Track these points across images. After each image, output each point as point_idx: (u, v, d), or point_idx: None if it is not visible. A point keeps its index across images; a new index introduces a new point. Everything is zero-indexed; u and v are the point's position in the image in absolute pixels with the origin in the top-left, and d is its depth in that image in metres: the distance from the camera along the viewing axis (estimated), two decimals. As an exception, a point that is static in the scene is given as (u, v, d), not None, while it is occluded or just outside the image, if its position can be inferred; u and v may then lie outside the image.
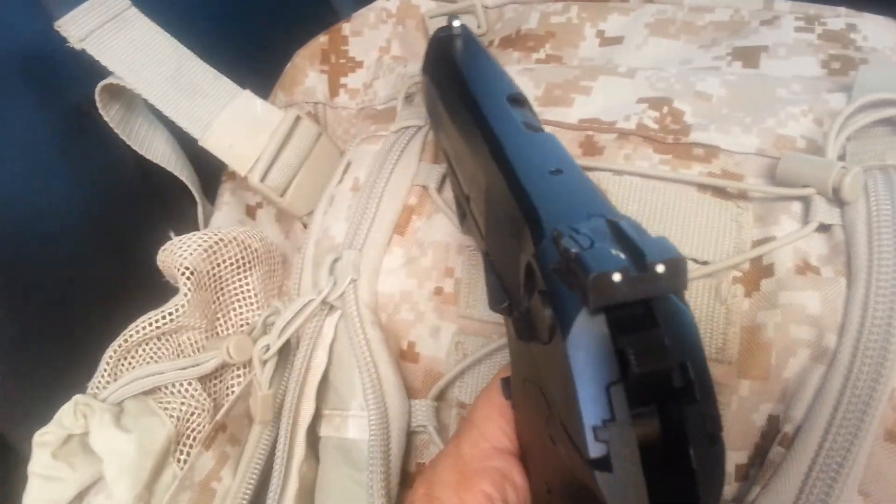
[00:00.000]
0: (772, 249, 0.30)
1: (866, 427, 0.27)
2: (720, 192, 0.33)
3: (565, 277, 0.20)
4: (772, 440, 0.28)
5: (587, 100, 0.38)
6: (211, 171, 0.50)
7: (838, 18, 0.40)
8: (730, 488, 0.29)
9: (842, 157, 0.33)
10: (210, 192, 0.51)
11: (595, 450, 0.19)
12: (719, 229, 0.32)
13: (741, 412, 0.29)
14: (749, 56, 0.40)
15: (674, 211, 0.32)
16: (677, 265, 0.19)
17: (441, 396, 0.36)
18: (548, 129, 0.37)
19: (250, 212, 0.51)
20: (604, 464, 0.19)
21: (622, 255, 0.19)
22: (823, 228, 0.31)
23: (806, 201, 0.32)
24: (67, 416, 0.37)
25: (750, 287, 0.30)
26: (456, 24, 0.36)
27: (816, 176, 0.31)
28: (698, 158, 0.34)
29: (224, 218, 0.49)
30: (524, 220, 0.24)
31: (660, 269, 0.19)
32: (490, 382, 0.28)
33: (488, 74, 0.34)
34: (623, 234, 0.20)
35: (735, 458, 0.29)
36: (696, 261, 0.31)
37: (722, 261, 0.31)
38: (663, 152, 0.34)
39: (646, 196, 0.33)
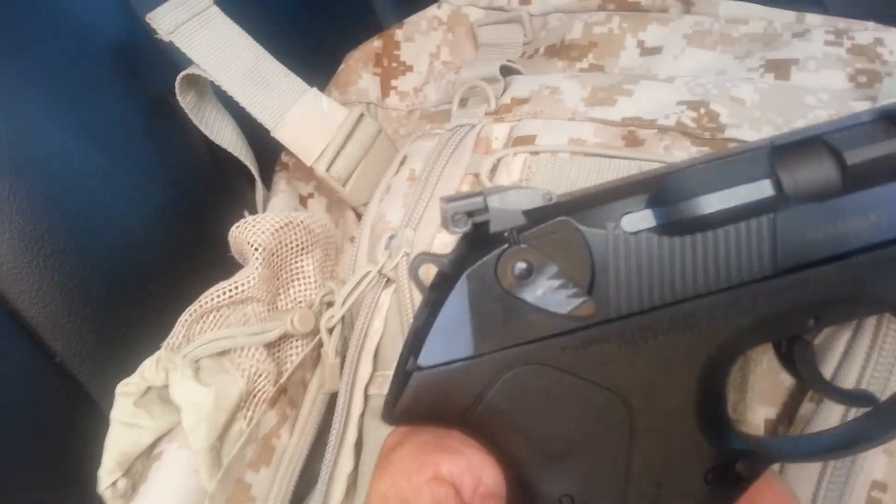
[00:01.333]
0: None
1: (892, 385, 0.29)
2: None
3: None
4: (800, 401, 0.31)
5: (629, 101, 0.41)
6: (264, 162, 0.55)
7: (866, 32, 0.43)
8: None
9: None
10: (264, 180, 0.55)
11: None
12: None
13: (771, 371, 0.32)
14: (780, 68, 0.44)
15: None
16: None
17: None
18: (593, 125, 0.41)
19: (303, 201, 0.55)
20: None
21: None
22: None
23: None
24: (150, 370, 0.40)
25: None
26: None
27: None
28: (731, 151, 0.37)
29: (281, 203, 0.53)
30: None
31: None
32: None
33: None
34: None
35: (764, 412, 0.32)
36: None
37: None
38: (700, 145, 0.38)
39: None
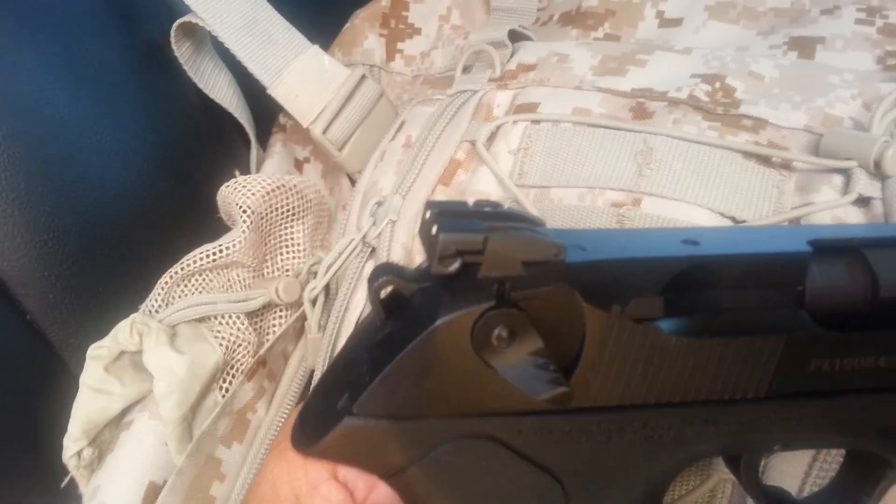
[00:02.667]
0: (809, 213, 0.31)
1: None
2: (764, 160, 0.34)
3: None
4: None
5: (641, 71, 0.39)
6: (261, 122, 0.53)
7: (901, 11, 0.40)
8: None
9: None
10: (261, 141, 0.53)
11: None
12: (760, 193, 0.33)
13: None
14: (805, 46, 0.41)
15: (717, 172, 0.33)
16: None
17: None
18: (599, 95, 0.38)
19: (298, 165, 0.53)
20: None
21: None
22: (863, 202, 0.32)
23: (847, 174, 0.32)
24: (123, 333, 0.38)
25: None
26: None
27: (859, 149, 0.32)
28: (746, 128, 0.35)
29: (275, 165, 0.51)
30: None
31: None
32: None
33: None
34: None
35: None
36: (734, 219, 0.32)
37: (759, 220, 0.31)
38: (712, 120, 0.35)
39: (691, 156, 0.34)
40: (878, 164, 0.31)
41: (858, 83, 0.36)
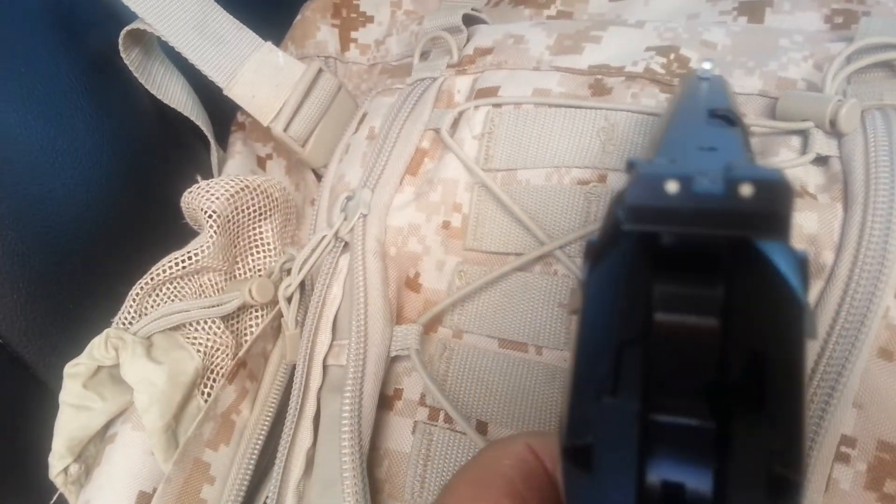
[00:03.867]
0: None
1: (863, 339, 0.28)
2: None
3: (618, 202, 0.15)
4: None
5: (597, 48, 0.39)
6: (218, 122, 0.52)
7: (844, -29, 0.41)
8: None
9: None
10: (220, 141, 0.53)
11: (573, 435, 0.14)
12: (722, 159, 0.33)
13: None
14: (754, 11, 0.41)
15: None
16: (777, 191, 0.13)
17: (440, 323, 0.37)
18: (558, 75, 0.39)
19: (261, 163, 0.52)
20: (581, 458, 0.14)
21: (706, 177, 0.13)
22: (821, 161, 0.33)
23: (804, 135, 0.33)
24: (98, 348, 0.38)
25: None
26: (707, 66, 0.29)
27: (814, 110, 0.32)
28: (703, 97, 0.35)
29: (237, 166, 0.51)
30: None
31: (745, 190, 0.13)
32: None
33: None
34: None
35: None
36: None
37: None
38: (669, 92, 0.36)
39: (651, 128, 0.34)
40: (833, 123, 0.32)
41: (808, 45, 0.37)
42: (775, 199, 0.13)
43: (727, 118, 0.23)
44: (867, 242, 0.29)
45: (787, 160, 0.32)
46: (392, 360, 0.36)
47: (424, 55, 0.45)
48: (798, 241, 0.30)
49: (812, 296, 0.29)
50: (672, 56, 0.37)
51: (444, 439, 0.34)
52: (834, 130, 0.32)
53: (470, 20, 0.45)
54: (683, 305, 0.13)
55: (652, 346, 0.13)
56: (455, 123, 0.39)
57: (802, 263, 0.13)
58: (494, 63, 0.41)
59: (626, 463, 0.13)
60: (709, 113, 0.24)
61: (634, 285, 0.14)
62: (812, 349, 0.28)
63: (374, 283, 0.36)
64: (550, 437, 0.21)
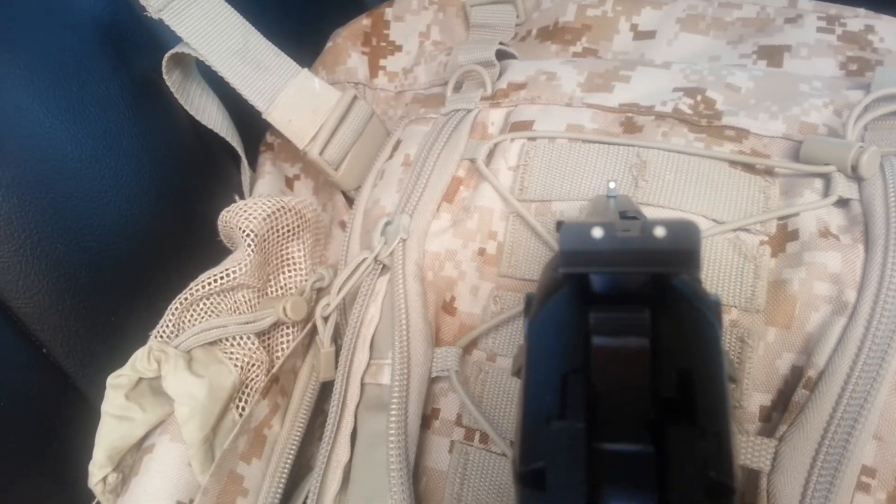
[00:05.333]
0: (795, 212, 0.33)
1: (884, 374, 0.30)
2: (749, 168, 0.36)
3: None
4: (794, 387, 0.32)
5: (627, 87, 0.41)
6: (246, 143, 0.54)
7: (857, 19, 0.43)
8: (752, 426, 0.32)
9: None
10: (249, 162, 0.54)
11: (526, 461, 0.15)
12: (748, 198, 0.35)
13: (767, 357, 0.32)
14: (773, 55, 0.44)
15: (707, 180, 0.36)
16: (686, 231, 0.14)
17: (475, 346, 0.38)
18: (590, 111, 0.41)
19: (289, 183, 0.54)
20: (534, 481, 0.14)
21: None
22: (842, 203, 0.35)
23: (827, 178, 0.35)
24: (141, 361, 0.39)
25: (777, 249, 0.34)
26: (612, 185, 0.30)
27: (837, 154, 0.34)
28: (730, 138, 0.37)
29: (267, 186, 0.52)
30: None
31: (658, 231, 0.15)
32: None
33: None
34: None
35: (759, 399, 0.32)
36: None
37: (748, 217, 0.34)
38: (697, 132, 0.38)
39: (682, 166, 0.36)
40: (854, 168, 0.34)
41: (828, 91, 0.39)
42: (684, 238, 0.14)
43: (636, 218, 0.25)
44: (888, 282, 0.31)
45: (811, 202, 0.34)
46: (430, 381, 0.38)
47: (457, 86, 0.47)
48: (822, 280, 0.32)
49: (835, 332, 0.31)
50: (699, 97, 0.39)
51: (479, 459, 0.36)
52: (855, 175, 0.34)
53: (500, 55, 0.47)
54: (617, 329, 0.15)
55: (592, 371, 0.15)
56: (491, 154, 0.41)
57: (715, 306, 0.16)
58: (528, 98, 0.43)
59: (576, 483, 0.14)
60: (620, 214, 0.26)
61: (573, 321, 0.15)
62: (835, 384, 0.30)
63: (415, 306, 0.38)
64: None
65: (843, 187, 0.34)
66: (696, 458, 0.14)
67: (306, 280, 0.47)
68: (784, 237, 0.34)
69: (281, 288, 0.47)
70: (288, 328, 0.46)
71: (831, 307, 0.32)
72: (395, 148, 0.46)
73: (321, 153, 0.47)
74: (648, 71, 0.42)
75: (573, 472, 0.14)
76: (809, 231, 0.33)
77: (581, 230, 0.15)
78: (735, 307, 0.33)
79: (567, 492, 0.14)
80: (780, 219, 0.34)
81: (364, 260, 0.40)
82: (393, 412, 0.36)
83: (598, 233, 0.15)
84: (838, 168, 0.35)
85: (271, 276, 0.47)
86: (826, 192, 0.35)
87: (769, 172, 0.36)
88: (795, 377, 0.32)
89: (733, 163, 0.37)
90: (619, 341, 0.15)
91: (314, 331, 0.44)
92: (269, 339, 0.45)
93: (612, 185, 0.30)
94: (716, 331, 0.15)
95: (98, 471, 0.39)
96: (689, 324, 0.15)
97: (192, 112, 0.50)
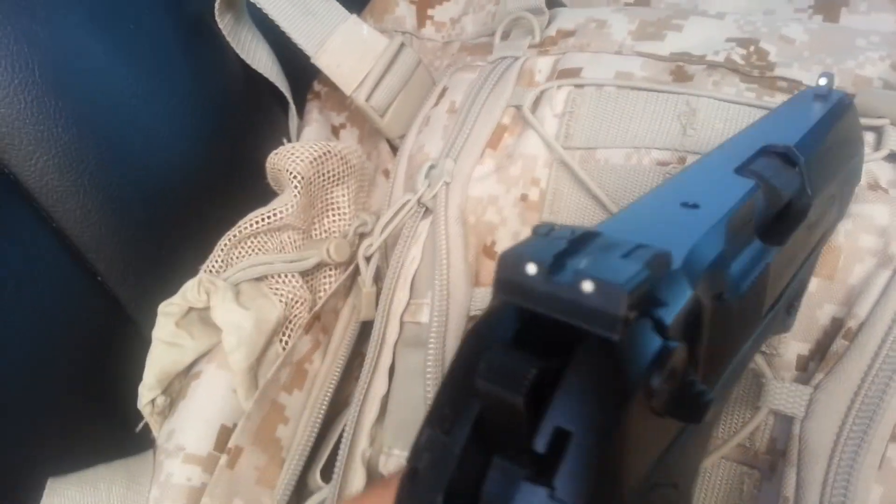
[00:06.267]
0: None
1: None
2: (800, 119, 0.36)
3: None
4: (833, 337, 0.32)
5: (679, 36, 0.41)
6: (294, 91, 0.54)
7: (922, -28, 0.42)
8: (788, 374, 0.32)
9: None
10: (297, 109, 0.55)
11: (412, 456, 0.16)
12: (798, 150, 0.35)
13: (807, 307, 0.32)
14: (830, 9, 0.43)
15: None
16: (612, 295, 0.14)
17: None
18: (640, 59, 0.40)
19: (335, 131, 0.55)
20: (409, 475, 0.16)
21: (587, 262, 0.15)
22: (893, 157, 0.34)
23: (879, 131, 0.35)
24: (192, 291, 0.41)
25: (824, 200, 0.34)
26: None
27: (890, 107, 0.34)
28: (782, 90, 0.37)
29: (314, 132, 0.53)
30: None
31: (587, 286, 0.14)
32: None
33: None
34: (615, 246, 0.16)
35: (797, 348, 0.32)
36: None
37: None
38: (749, 82, 0.37)
39: (732, 116, 0.36)
40: (909, 121, 0.34)
41: (885, 45, 0.38)
42: (608, 301, 0.14)
43: (784, 157, 0.25)
44: (937, 235, 0.30)
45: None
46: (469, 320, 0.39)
47: (505, 34, 0.47)
48: (869, 232, 0.32)
49: (879, 284, 0.31)
50: (752, 48, 0.39)
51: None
52: None
53: (551, 2, 0.47)
54: (498, 378, 0.15)
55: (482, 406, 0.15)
56: (537, 101, 0.41)
57: (650, 368, 0.15)
58: (577, 45, 0.42)
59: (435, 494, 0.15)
60: (761, 150, 0.26)
61: (490, 344, 0.16)
62: (875, 335, 0.30)
63: (456, 247, 0.39)
64: None
65: (895, 141, 0.34)
66: None
67: (350, 225, 0.48)
68: (832, 187, 0.34)
69: (325, 231, 0.48)
70: (331, 269, 0.47)
71: (876, 260, 0.32)
72: (441, 95, 0.46)
73: (367, 99, 0.48)
74: (702, 20, 0.41)
75: (438, 482, 0.15)
76: (859, 184, 0.33)
77: (518, 261, 0.15)
78: None
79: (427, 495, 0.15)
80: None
81: (407, 202, 0.41)
82: (431, 349, 0.37)
83: (531, 269, 0.15)
84: (892, 121, 0.34)
85: (316, 220, 0.48)
86: (878, 146, 0.34)
87: (820, 124, 0.36)
88: (835, 328, 0.32)
89: (783, 114, 0.36)
90: (497, 390, 0.15)
91: (356, 273, 0.45)
92: (312, 279, 0.47)
93: (822, 80, 0.30)
94: (625, 397, 0.15)
95: (148, 392, 0.41)
96: (593, 384, 0.15)
97: (243, 56, 0.51)
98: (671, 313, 0.16)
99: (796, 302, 0.29)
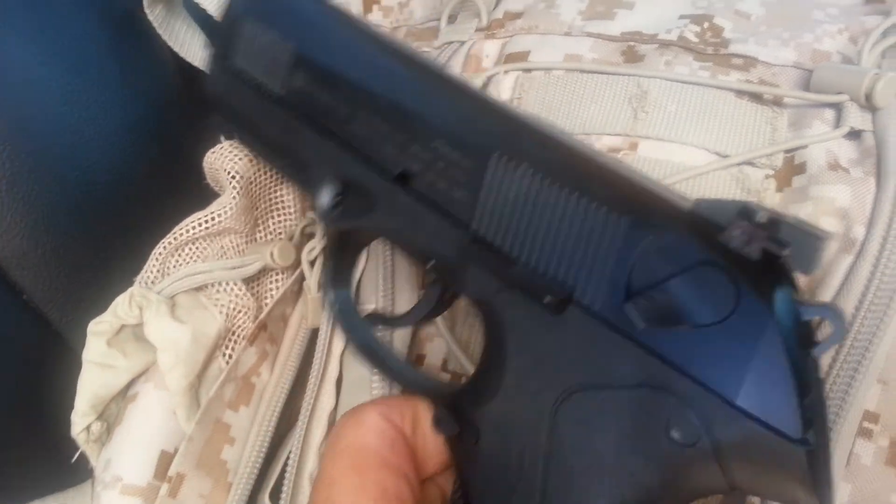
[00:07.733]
0: (804, 144, 0.31)
1: (891, 314, 0.28)
2: (757, 98, 0.34)
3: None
4: None
5: (630, 14, 0.39)
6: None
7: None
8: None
9: None
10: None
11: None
12: (754, 130, 0.33)
13: None
14: None
15: (711, 112, 0.34)
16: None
17: None
18: (590, 41, 0.38)
19: None
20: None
21: None
22: (854, 135, 0.32)
23: (838, 108, 0.33)
24: (123, 307, 0.38)
25: (782, 183, 0.32)
26: None
27: (850, 83, 0.32)
28: (737, 67, 0.35)
29: None
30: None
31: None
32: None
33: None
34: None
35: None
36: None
37: (754, 150, 0.32)
38: (703, 60, 0.36)
39: (685, 97, 0.34)
40: (868, 97, 0.32)
41: (843, 18, 0.37)
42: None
43: None
44: (900, 219, 0.29)
45: (821, 133, 0.32)
46: (415, 326, 0.37)
47: (452, 18, 0.45)
48: (829, 215, 0.30)
49: (841, 270, 0.29)
50: (706, 24, 0.37)
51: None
52: (869, 104, 0.32)
53: (498, -17, 0.45)
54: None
55: None
56: (484, 87, 0.39)
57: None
58: (524, 27, 0.40)
59: None
60: None
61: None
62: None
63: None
64: (396, 401, 0.26)
65: (856, 118, 0.32)
66: None
67: (296, 225, 0.46)
68: (790, 171, 0.32)
69: (270, 233, 0.46)
70: (277, 274, 0.44)
71: (838, 244, 0.30)
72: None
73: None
74: None
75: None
76: (818, 164, 0.31)
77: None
78: None
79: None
80: (787, 152, 0.32)
81: (349, 202, 0.39)
82: None
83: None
84: (851, 97, 0.32)
85: (260, 221, 0.45)
86: (837, 123, 0.33)
87: (777, 103, 0.34)
88: None
89: (740, 93, 0.34)
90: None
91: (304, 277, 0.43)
92: (257, 285, 0.44)
93: None
94: None
95: (81, 420, 0.38)
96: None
97: (176, 49, 0.48)
98: None
99: None
